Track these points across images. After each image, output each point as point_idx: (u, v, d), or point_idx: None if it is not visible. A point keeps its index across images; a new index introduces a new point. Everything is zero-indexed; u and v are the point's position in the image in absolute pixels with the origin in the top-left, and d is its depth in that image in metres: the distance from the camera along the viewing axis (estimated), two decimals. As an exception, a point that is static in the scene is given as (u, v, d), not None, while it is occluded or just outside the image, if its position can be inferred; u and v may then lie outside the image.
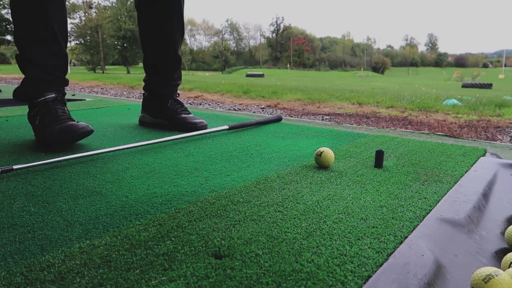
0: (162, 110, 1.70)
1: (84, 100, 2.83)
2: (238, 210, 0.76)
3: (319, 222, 0.71)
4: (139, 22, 1.67)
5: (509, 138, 2.49)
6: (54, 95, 1.35)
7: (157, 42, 1.65)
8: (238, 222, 0.70)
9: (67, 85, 1.43)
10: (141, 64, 1.94)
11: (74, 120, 1.31)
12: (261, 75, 24.66)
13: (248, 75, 24.36)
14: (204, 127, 1.64)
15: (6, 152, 1.22)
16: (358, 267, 0.55)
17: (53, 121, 1.28)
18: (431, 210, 0.78)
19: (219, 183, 0.94)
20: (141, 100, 1.82)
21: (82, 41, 37.98)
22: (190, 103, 4.46)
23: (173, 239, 0.64)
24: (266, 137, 1.51)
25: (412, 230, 0.68)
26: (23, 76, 1.39)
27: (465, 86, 13.81)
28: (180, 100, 1.76)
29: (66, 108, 1.37)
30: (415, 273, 0.54)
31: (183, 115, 1.67)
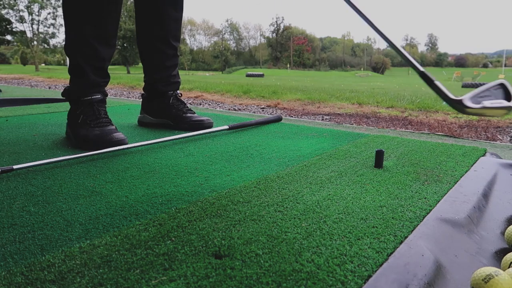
0: (165, 110, 1.70)
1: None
2: (238, 210, 0.76)
3: (319, 222, 0.71)
4: (136, 12, 1.67)
5: (509, 138, 2.49)
6: (100, 96, 1.41)
7: (152, 28, 1.64)
8: (238, 222, 0.70)
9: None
10: (141, 64, 1.93)
11: (113, 124, 1.37)
12: (261, 75, 24.65)
13: (248, 75, 24.35)
14: (211, 124, 1.66)
15: (6, 152, 1.22)
16: (358, 267, 0.55)
17: (94, 122, 1.33)
18: (431, 210, 0.78)
19: (219, 183, 0.94)
20: (141, 100, 1.82)
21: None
22: (190, 103, 4.46)
23: (173, 239, 0.64)
24: (266, 137, 1.51)
25: (412, 230, 0.68)
26: (69, 77, 1.44)
27: (465, 86, 13.80)
28: (182, 99, 1.75)
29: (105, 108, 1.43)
30: (415, 273, 0.54)
31: (189, 114, 1.68)
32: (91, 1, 1.32)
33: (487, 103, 0.68)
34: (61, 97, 1.49)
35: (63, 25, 1.39)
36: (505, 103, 0.69)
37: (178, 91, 1.74)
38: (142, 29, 1.66)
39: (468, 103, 0.68)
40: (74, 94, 1.40)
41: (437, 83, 0.72)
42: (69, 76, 1.44)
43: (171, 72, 1.71)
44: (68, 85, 1.44)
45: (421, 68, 0.75)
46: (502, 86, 0.72)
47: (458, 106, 0.68)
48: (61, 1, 1.37)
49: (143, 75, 1.77)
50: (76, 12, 1.34)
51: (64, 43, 1.42)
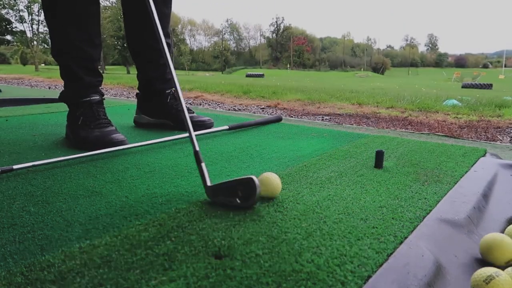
0: (164, 110, 1.69)
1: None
2: (238, 210, 0.76)
3: (319, 223, 0.71)
4: (125, 11, 1.65)
5: (509, 139, 2.49)
6: (98, 97, 1.41)
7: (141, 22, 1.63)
8: (238, 222, 0.70)
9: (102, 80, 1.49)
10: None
11: (113, 125, 1.37)
12: (261, 75, 24.65)
13: (248, 75, 24.35)
14: (211, 125, 1.66)
15: (6, 152, 1.22)
16: (358, 267, 0.55)
17: (94, 123, 1.34)
18: (431, 210, 0.78)
19: (219, 183, 0.94)
20: (137, 99, 1.79)
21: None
22: (190, 103, 4.47)
23: (173, 239, 0.64)
24: (266, 137, 1.51)
25: (412, 231, 0.68)
26: (63, 79, 1.44)
27: (465, 86, 13.81)
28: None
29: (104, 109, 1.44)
30: (415, 273, 0.54)
31: (189, 115, 1.67)
32: (72, 4, 1.33)
33: (224, 198, 0.78)
34: (61, 98, 1.48)
35: (48, 31, 1.40)
36: (234, 202, 0.76)
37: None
38: (134, 28, 1.65)
39: (210, 194, 0.79)
40: (72, 97, 1.41)
41: (203, 165, 0.82)
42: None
43: (166, 69, 1.70)
44: (64, 89, 1.45)
45: (197, 148, 0.85)
46: (248, 181, 0.74)
47: (207, 191, 0.80)
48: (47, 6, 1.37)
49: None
50: (58, 16, 1.35)
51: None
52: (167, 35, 1.68)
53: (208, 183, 0.80)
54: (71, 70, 1.38)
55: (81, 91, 1.39)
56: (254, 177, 0.74)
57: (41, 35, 44.76)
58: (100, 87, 1.47)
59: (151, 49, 1.65)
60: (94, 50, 1.42)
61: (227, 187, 0.78)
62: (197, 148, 0.85)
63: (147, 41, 1.64)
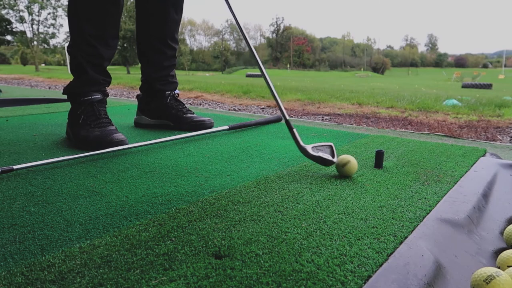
0: (164, 111, 1.70)
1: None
2: (238, 210, 0.76)
3: (319, 222, 0.71)
4: (137, 12, 1.68)
5: (509, 139, 2.49)
6: (100, 96, 1.42)
7: (152, 27, 1.66)
8: (238, 222, 0.71)
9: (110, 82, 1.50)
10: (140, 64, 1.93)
11: (113, 125, 1.37)
12: (261, 76, 24.61)
13: (248, 76, 24.33)
14: (211, 125, 1.67)
15: (6, 152, 1.22)
16: (358, 267, 0.55)
17: (94, 123, 1.34)
18: (431, 210, 0.78)
19: (219, 183, 0.94)
20: (137, 101, 1.81)
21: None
22: (190, 103, 4.46)
23: (173, 239, 0.64)
24: (266, 137, 1.51)
25: (412, 230, 0.68)
26: (71, 76, 1.45)
27: (465, 86, 13.81)
28: (180, 100, 1.76)
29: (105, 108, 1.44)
30: (415, 273, 0.54)
31: (189, 115, 1.68)
32: (92, 3, 1.34)
33: (322, 154, 1.05)
34: (61, 97, 1.49)
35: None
36: (330, 157, 1.04)
37: (175, 91, 1.74)
38: (142, 29, 1.67)
39: (310, 151, 1.05)
40: (75, 92, 1.41)
41: (295, 130, 1.09)
42: (69, 77, 1.44)
43: (169, 72, 1.72)
44: (71, 83, 1.45)
45: (287, 117, 1.11)
46: (330, 147, 1.08)
47: (305, 151, 1.06)
48: (61, 1, 1.39)
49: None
50: (77, 12, 1.36)
51: (65, 43, 1.44)
52: (175, 41, 1.70)
53: (302, 144, 1.07)
54: (81, 66, 1.39)
55: (85, 87, 1.40)
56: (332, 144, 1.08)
57: (41, 35, 44.70)
58: (106, 87, 1.47)
59: (155, 51, 1.67)
60: (107, 50, 1.42)
61: (321, 146, 1.07)
62: (287, 117, 1.11)
63: (152, 42, 1.66)
